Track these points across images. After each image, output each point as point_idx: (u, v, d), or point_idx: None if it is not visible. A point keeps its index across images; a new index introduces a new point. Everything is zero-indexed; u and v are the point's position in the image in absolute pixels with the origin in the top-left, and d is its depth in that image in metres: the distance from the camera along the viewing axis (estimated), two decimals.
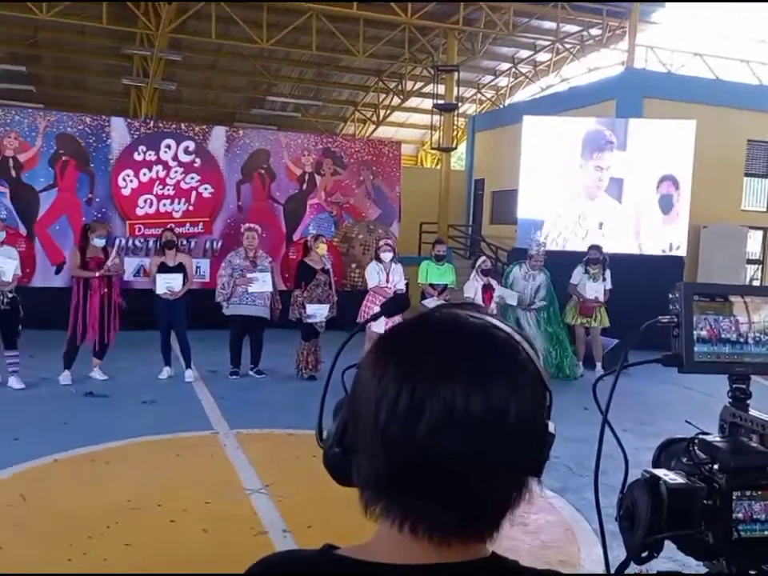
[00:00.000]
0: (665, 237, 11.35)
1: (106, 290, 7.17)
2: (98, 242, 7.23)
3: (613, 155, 11.40)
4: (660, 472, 1.03)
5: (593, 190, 11.46)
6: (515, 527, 4.20)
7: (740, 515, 1.00)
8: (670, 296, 1.04)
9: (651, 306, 1.07)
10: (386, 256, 8.01)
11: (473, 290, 8.39)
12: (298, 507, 4.20)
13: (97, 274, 7.09)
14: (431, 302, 8.26)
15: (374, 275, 8.00)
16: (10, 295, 6.85)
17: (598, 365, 8.60)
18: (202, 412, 6.43)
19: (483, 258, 9.03)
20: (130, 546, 3.70)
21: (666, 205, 11.42)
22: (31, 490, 4.40)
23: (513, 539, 4.03)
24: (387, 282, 7.98)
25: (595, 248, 8.90)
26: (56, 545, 3.68)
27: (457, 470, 0.67)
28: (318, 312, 7.66)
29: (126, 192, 10.89)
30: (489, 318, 0.74)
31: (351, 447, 0.75)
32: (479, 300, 8.36)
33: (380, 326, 7.81)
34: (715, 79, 17.69)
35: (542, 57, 21.75)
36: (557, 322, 8.75)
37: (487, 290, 8.39)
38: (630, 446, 1.07)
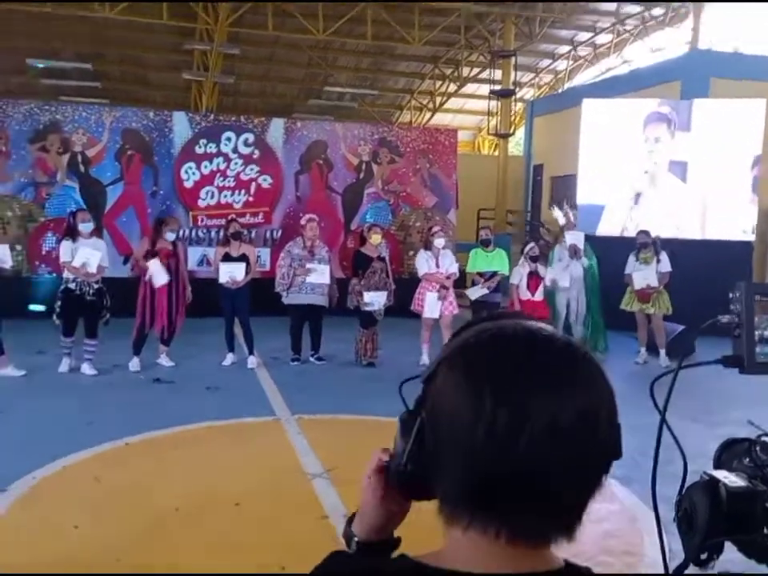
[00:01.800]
0: (733, 221, 10.97)
1: (172, 278, 7.40)
2: (170, 236, 7.49)
3: (667, 130, 11.07)
4: (720, 474, 1.00)
5: (646, 162, 11.14)
6: None
7: None
8: (731, 295, 1.02)
9: (717, 293, 1.06)
10: (439, 242, 8.01)
11: (518, 276, 8.32)
12: (359, 492, 4.25)
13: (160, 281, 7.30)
14: (473, 292, 8.20)
15: (423, 263, 8.02)
16: (95, 286, 7.12)
17: (662, 352, 8.41)
18: (264, 398, 6.57)
19: (532, 244, 8.85)
20: (196, 528, 3.82)
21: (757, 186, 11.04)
22: (105, 473, 4.58)
23: None
24: (437, 267, 7.98)
25: (643, 233, 8.67)
26: (128, 526, 3.81)
27: (554, 478, 0.69)
28: (375, 300, 7.72)
29: (188, 184, 11.16)
30: (542, 324, 0.75)
31: (429, 464, 0.74)
32: (524, 286, 8.29)
33: (434, 311, 7.87)
34: None
35: (602, 39, 21.23)
36: (595, 299, 8.64)
37: (533, 276, 8.29)
38: (698, 437, 1.07)
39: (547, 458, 0.68)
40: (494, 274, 8.32)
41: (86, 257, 7.02)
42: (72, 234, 7.11)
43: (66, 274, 7.10)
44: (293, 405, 6.25)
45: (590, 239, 9.19)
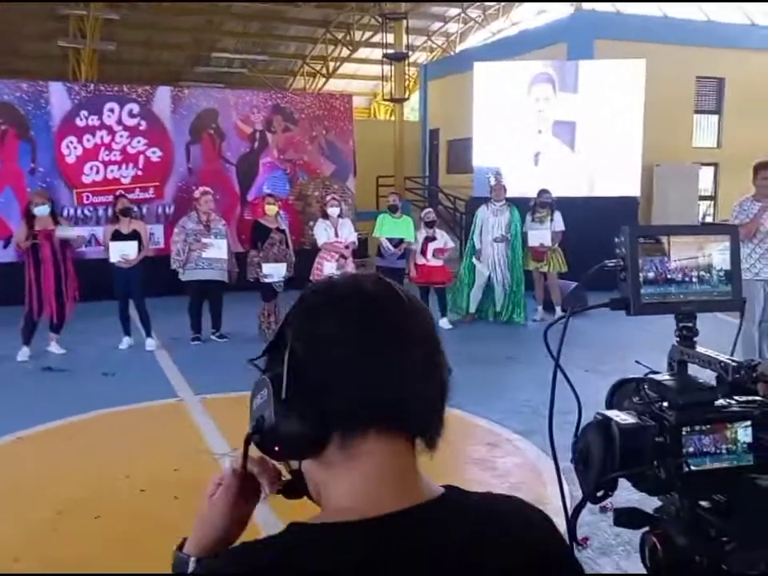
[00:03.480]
0: (619, 178, 11.44)
1: (59, 258, 6.98)
2: (40, 211, 6.93)
3: (551, 90, 11.37)
4: (612, 413, 1.05)
5: (535, 120, 11.42)
6: (484, 471, 4.29)
7: (690, 449, 1.02)
8: (616, 240, 1.04)
9: (607, 248, 1.07)
10: (333, 211, 7.95)
11: (414, 242, 8.40)
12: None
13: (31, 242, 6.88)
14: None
15: (321, 232, 7.94)
16: None
17: (558, 309, 8.72)
18: (166, 380, 6.38)
19: (428, 209, 8.97)
20: (100, 517, 3.68)
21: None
22: None
23: (482, 483, 4.12)
24: (336, 237, 7.94)
25: (545, 191, 8.86)
26: (25, 522, 3.64)
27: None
28: (274, 271, 7.59)
29: (70, 160, 10.55)
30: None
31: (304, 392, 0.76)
32: (419, 251, 8.38)
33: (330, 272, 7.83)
34: (664, 17, 17.70)
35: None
36: (518, 265, 8.81)
37: (429, 240, 8.39)
38: (592, 386, 1.08)
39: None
40: (402, 240, 8.35)
41: None
42: None
43: None
44: (196, 385, 6.10)
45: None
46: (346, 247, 7.97)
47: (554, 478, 4.15)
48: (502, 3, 21.23)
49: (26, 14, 18.66)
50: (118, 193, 8.77)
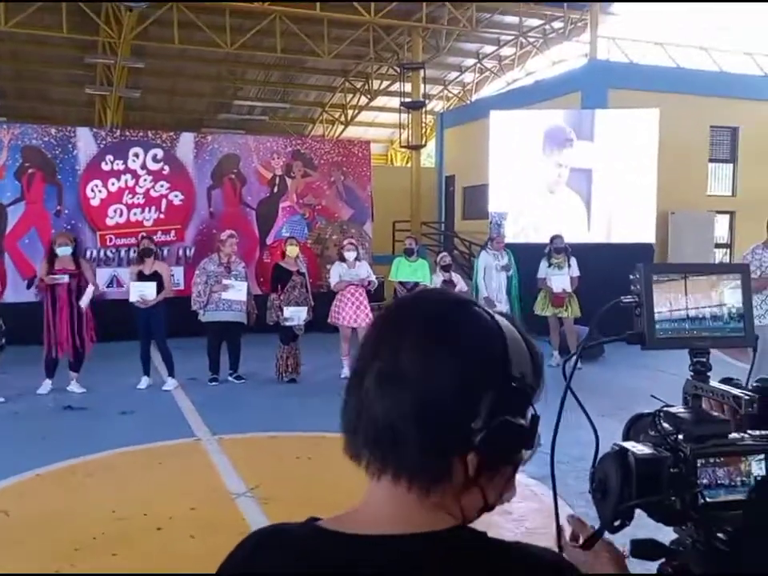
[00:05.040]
0: (635, 225, 11.52)
1: (73, 300, 7.10)
2: (62, 251, 7.11)
3: (573, 151, 11.53)
4: (628, 444, 1.08)
5: (553, 185, 11.62)
6: (500, 516, 4.27)
7: (705, 481, 1.05)
8: (631, 277, 1.09)
9: (622, 294, 1.10)
10: (350, 255, 8.06)
11: (432, 286, 8.46)
12: (284, 508, 4.22)
13: (61, 279, 7.00)
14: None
15: (336, 277, 8.05)
16: None
17: None
18: (183, 420, 6.41)
19: (443, 253, 9.15)
20: (117, 555, 3.69)
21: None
22: (15, 506, 4.37)
23: (498, 527, 4.09)
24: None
25: (558, 237, 8.96)
26: (42, 559, 3.66)
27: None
28: (295, 314, 7.67)
29: (95, 202, 10.79)
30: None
31: None
32: None
33: (351, 321, 7.92)
34: (677, 67, 17.97)
35: (507, 51, 21.93)
36: (516, 306, 8.93)
37: (447, 284, 8.47)
38: (609, 429, 1.11)
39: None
40: (417, 284, 8.43)
41: None
42: None
43: None
44: (213, 425, 6.12)
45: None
46: (367, 284, 8.05)
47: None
48: (518, 54, 21.65)
49: (56, 61, 19.28)
50: (140, 234, 8.95)
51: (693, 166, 14.45)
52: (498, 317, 0.82)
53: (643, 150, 11.40)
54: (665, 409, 1.11)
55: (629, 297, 1.09)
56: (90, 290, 7.18)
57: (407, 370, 0.75)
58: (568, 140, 11.54)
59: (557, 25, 19.46)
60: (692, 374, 1.13)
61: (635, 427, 1.18)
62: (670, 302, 1.09)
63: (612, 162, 11.41)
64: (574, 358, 1.08)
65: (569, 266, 8.82)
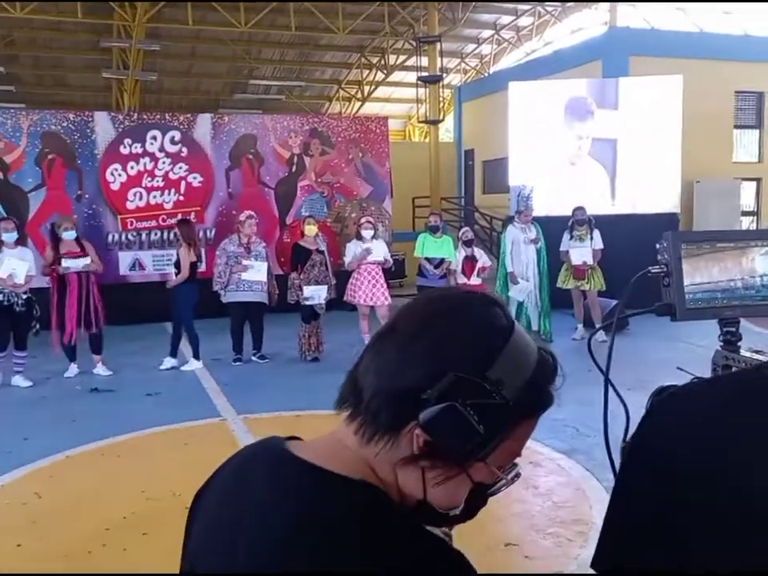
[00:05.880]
0: (659, 195, 11.33)
1: (84, 286, 7.13)
2: (67, 235, 7.15)
3: (594, 122, 11.33)
4: None
5: (574, 157, 11.43)
6: (526, 490, 4.26)
7: None
8: (658, 246, 1.05)
9: (648, 265, 1.06)
10: (367, 234, 8.02)
11: (454, 261, 8.42)
12: None
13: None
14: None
15: (350, 252, 8.03)
16: (24, 296, 6.88)
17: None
18: (209, 400, 6.47)
19: (465, 228, 9.01)
20: (148, 534, 3.75)
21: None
22: (46, 487, 4.44)
23: (524, 501, 4.09)
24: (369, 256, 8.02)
25: (579, 209, 8.81)
26: (74, 539, 3.72)
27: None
28: (315, 293, 7.67)
29: (115, 186, 10.84)
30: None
31: None
32: (460, 271, 8.39)
33: (367, 299, 7.92)
34: (700, 32, 17.57)
35: (524, 21, 21.58)
36: (545, 281, 8.78)
37: (469, 260, 8.40)
38: (636, 402, 1.08)
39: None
40: (442, 260, 8.39)
41: (12, 267, 6.77)
42: None
43: None
44: (238, 405, 6.17)
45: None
46: (381, 263, 8.03)
47: (598, 497, 4.09)
48: (536, 24, 21.29)
49: (72, 46, 19.33)
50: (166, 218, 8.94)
51: (718, 133, 14.18)
52: (521, 329, 0.83)
53: (667, 118, 11.18)
54: (694, 380, 1.08)
55: (656, 267, 1.05)
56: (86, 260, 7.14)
57: (399, 329, 0.82)
58: (589, 112, 11.34)
59: None
60: (721, 344, 1.09)
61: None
62: (699, 271, 1.05)
63: (636, 131, 11.20)
64: (610, 339, 1.04)
65: (591, 238, 8.69)
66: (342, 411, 0.84)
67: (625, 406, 1.08)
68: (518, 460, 0.83)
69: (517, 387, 0.78)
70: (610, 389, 1.09)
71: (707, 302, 1.05)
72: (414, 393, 0.76)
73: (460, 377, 0.75)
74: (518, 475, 0.84)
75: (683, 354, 7.35)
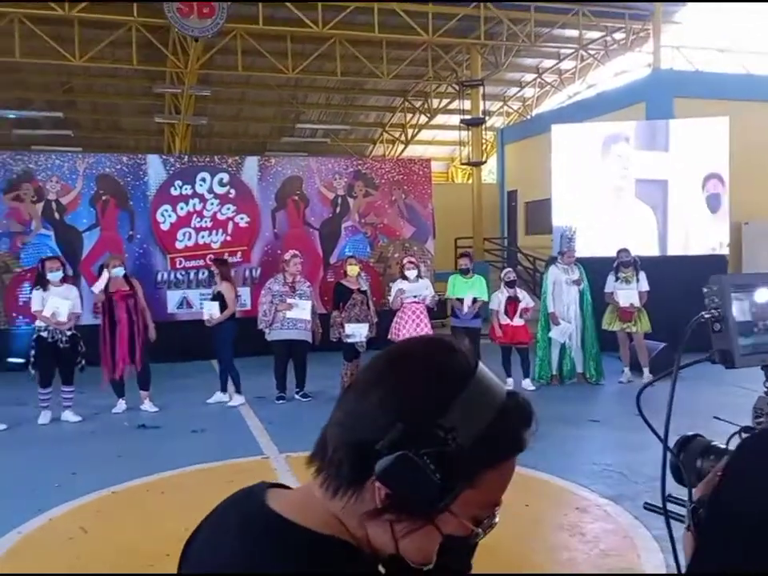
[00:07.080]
0: (709, 236, 11.18)
1: (134, 318, 7.33)
2: (117, 272, 7.38)
3: (629, 147, 11.32)
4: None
5: (618, 180, 11.35)
6: (573, 536, 4.16)
7: None
8: (705, 290, 1.03)
9: (696, 308, 1.03)
10: (411, 274, 8.07)
11: (497, 302, 8.40)
12: None
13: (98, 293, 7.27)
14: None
15: (395, 292, 8.07)
16: (68, 333, 7.08)
17: (645, 370, 8.47)
18: (252, 438, 6.51)
19: (507, 269, 9.01)
20: None
21: (715, 203, 11.25)
22: (91, 523, 4.50)
23: (571, 549, 3.99)
24: (413, 297, 8.04)
25: (624, 250, 8.75)
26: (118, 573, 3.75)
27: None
28: (357, 331, 7.71)
29: (165, 227, 11.15)
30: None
31: None
32: (503, 312, 8.35)
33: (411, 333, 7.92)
34: (745, 74, 17.42)
35: (567, 65, 21.68)
36: (589, 323, 8.66)
37: (512, 301, 8.36)
38: None
39: None
40: (474, 300, 8.38)
41: (56, 305, 6.99)
42: (42, 282, 7.09)
43: (38, 323, 7.07)
44: (280, 443, 6.19)
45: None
46: (424, 300, 8.05)
47: (646, 545, 3.97)
48: (578, 66, 21.38)
49: (126, 92, 20.09)
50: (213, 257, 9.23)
51: (766, 175, 13.94)
52: (485, 376, 0.79)
53: (714, 160, 11.07)
54: (741, 432, 1.03)
55: (708, 312, 1.03)
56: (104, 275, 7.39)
57: (359, 381, 0.83)
58: (624, 138, 11.37)
59: (618, 36, 19.14)
60: (766, 389, 1.08)
61: (685, 452, 1.02)
62: (750, 315, 1.04)
63: (685, 173, 11.12)
64: (670, 391, 0.98)
65: (637, 280, 8.59)
66: (312, 465, 0.83)
67: (665, 452, 1.01)
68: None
69: (473, 435, 0.75)
70: (665, 446, 1.01)
71: (760, 347, 1.04)
72: (370, 445, 0.75)
73: (411, 426, 0.74)
74: (492, 525, 0.80)
75: (733, 398, 7.14)
